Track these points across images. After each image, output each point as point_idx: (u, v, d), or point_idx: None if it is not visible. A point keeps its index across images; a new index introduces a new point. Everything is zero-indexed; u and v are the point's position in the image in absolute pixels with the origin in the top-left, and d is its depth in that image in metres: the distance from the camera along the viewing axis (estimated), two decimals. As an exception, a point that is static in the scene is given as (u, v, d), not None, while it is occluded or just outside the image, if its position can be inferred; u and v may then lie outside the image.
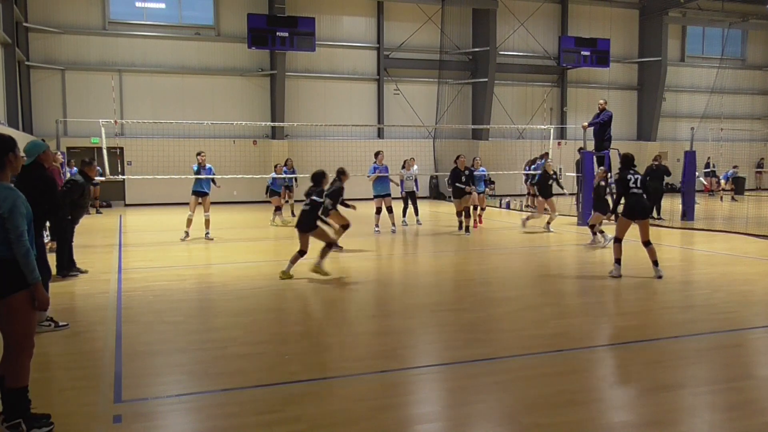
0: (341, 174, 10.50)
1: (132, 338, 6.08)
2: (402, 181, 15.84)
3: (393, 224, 14.65)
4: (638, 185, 9.06)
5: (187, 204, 13.54)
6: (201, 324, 6.78)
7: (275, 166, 16.83)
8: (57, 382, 5.03)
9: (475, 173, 15.07)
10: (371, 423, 4.14)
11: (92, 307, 7.40)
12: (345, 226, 11.02)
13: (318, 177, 9.43)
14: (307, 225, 9.10)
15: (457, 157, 14.37)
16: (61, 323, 6.37)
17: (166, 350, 5.79)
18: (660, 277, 8.90)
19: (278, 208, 16.27)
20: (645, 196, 9.10)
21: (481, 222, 15.66)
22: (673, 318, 6.99)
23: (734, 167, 26.03)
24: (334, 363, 5.34)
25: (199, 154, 13.46)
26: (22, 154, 4.27)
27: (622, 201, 9.24)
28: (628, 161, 9.33)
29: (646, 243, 9.06)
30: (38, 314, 5.76)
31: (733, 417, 4.24)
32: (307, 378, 4.96)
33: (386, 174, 14.78)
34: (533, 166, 20.87)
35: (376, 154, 14.76)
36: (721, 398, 4.58)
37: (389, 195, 14.78)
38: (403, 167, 15.97)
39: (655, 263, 9.01)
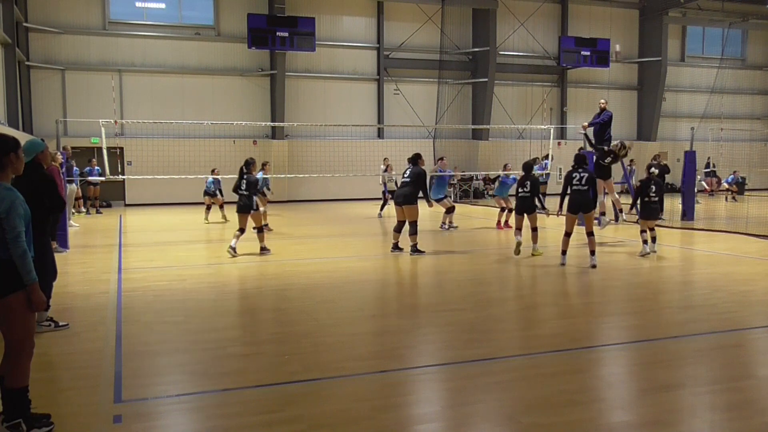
0: (582, 160, 10.92)
1: (132, 338, 6.07)
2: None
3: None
4: (582, 183, 9.77)
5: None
6: (201, 324, 6.77)
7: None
8: (57, 382, 5.02)
9: (506, 180, 15.29)
10: (371, 423, 4.14)
11: (92, 307, 7.39)
12: None
13: (581, 159, 10.59)
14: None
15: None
16: (61, 323, 6.37)
17: (166, 350, 5.79)
18: (594, 266, 9.55)
19: (209, 207, 17.29)
20: (591, 192, 9.81)
21: (505, 225, 15.33)
22: (673, 318, 6.98)
23: (734, 172, 26.03)
24: (334, 363, 5.33)
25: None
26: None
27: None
28: (579, 161, 10.05)
29: (589, 233, 9.85)
30: (39, 314, 5.78)
31: (733, 417, 4.24)
32: (307, 378, 4.95)
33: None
34: (536, 167, 20.88)
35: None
36: (721, 398, 4.57)
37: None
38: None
39: (592, 252, 9.74)
